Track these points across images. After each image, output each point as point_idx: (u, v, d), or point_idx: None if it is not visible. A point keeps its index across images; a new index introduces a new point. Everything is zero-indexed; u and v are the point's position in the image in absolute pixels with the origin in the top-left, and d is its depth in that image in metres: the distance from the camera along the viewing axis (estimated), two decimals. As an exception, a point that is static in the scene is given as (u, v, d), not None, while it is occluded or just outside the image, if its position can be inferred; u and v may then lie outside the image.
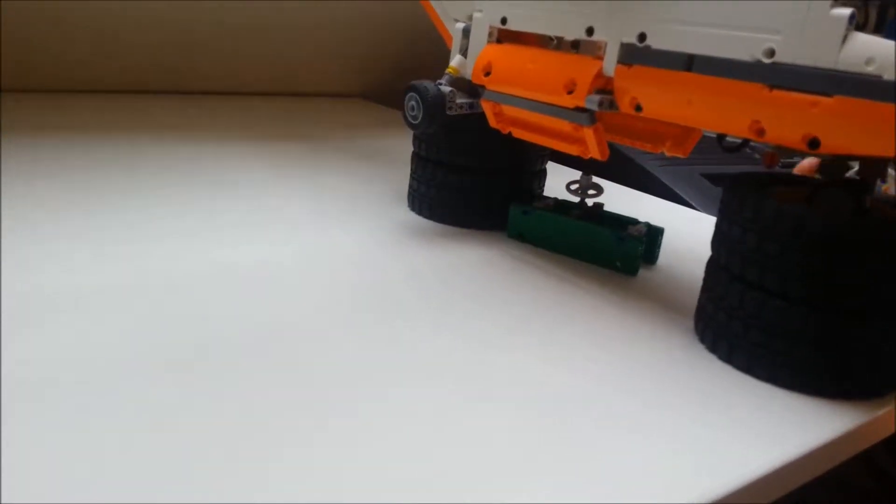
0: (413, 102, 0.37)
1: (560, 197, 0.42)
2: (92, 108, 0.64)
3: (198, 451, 0.20)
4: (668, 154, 0.37)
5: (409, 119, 0.38)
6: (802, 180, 0.31)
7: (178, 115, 0.66)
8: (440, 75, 0.39)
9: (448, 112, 0.37)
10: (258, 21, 0.74)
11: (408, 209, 0.44)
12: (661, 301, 0.34)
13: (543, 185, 0.44)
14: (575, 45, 0.35)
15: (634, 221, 0.39)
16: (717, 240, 0.29)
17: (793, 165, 0.40)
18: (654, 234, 0.39)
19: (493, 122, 0.37)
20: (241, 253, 0.35)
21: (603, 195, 0.40)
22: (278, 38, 0.77)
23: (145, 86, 0.72)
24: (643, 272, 0.38)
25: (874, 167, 0.28)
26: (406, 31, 0.81)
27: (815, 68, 0.24)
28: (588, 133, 0.32)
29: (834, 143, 0.25)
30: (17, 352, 0.24)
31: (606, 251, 0.38)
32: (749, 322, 0.27)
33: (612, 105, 0.31)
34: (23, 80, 0.65)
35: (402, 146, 0.61)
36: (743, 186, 0.29)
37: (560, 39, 0.36)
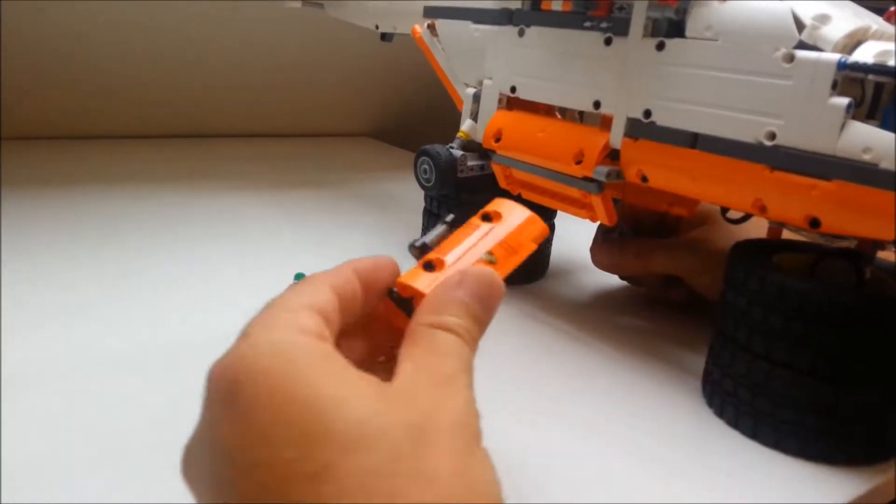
0: (426, 166, 0.38)
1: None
2: (99, 154, 0.65)
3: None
4: (672, 213, 0.38)
5: (422, 181, 0.39)
6: (804, 247, 0.32)
7: (187, 161, 0.67)
8: (445, 115, 0.40)
9: (459, 174, 0.38)
10: (264, 62, 0.76)
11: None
12: (669, 360, 0.35)
13: (552, 240, 0.45)
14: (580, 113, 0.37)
15: None
16: (724, 309, 0.30)
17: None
18: None
19: (503, 184, 0.39)
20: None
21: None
22: (285, 79, 0.78)
23: (150, 130, 0.73)
24: (655, 321, 0.39)
25: (872, 240, 0.29)
26: (411, 70, 0.83)
27: (815, 153, 0.26)
28: (596, 200, 0.34)
29: (833, 224, 0.26)
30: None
31: None
32: (755, 391, 0.28)
33: (619, 176, 0.32)
34: (22, 128, 0.66)
35: (410, 190, 0.61)
36: (747, 257, 0.30)
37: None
